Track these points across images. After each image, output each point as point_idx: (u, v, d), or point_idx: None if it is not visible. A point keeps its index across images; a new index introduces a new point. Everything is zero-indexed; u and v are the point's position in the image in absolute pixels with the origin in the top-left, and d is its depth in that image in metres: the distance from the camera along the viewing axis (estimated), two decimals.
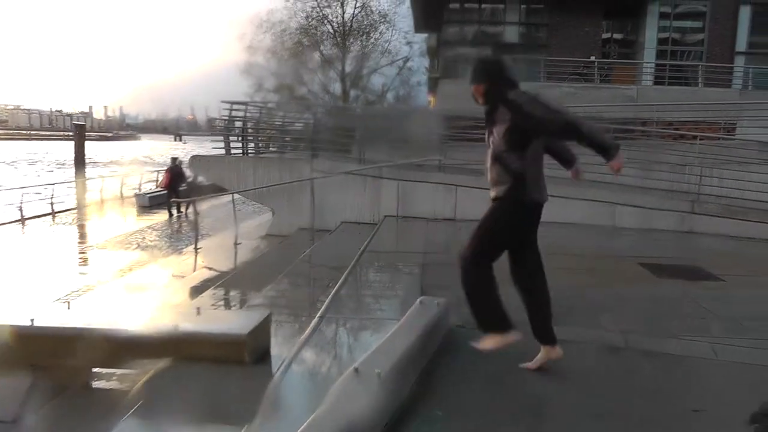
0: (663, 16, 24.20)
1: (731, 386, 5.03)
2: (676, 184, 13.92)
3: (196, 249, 14.49)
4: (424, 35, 34.11)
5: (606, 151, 4.52)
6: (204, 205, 18.33)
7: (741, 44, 24.02)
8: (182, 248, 16.35)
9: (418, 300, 5.87)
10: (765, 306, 7.54)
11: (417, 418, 4.18)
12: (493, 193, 4.92)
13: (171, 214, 23.12)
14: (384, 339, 4.80)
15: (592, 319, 6.54)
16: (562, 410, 4.48)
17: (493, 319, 4.93)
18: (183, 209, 22.76)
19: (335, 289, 7.61)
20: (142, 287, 11.44)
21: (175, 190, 23.66)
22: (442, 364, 5.12)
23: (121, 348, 5.16)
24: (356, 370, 4.04)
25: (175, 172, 24.30)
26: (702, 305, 7.37)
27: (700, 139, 14.94)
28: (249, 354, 5.24)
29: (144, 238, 18.40)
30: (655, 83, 23.01)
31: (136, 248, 16.65)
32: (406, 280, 8.60)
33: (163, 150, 58.53)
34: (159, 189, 27.72)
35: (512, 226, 4.92)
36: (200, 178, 20.33)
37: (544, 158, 4.91)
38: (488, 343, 4.91)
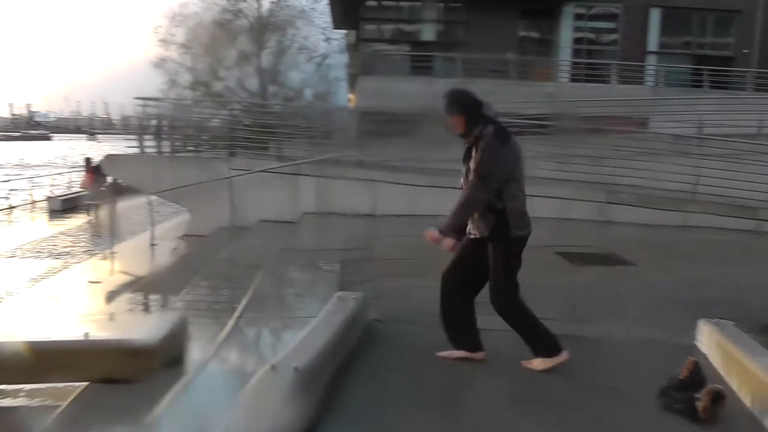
0: (578, 17, 24.76)
1: (643, 364, 5.19)
2: (592, 175, 14.29)
3: (111, 253, 14.19)
4: (343, 32, 34.08)
5: (440, 223, 4.92)
6: (121, 207, 17.96)
7: (652, 44, 24.85)
8: (97, 253, 15.98)
9: (336, 296, 5.90)
10: (673, 287, 7.82)
11: (337, 412, 4.19)
12: (475, 232, 4.94)
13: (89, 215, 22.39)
14: (301, 336, 4.78)
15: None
16: (479, 396, 4.55)
17: (550, 342, 4.98)
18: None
19: (253, 288, 7.57)
20: (54, 296, 11.12)
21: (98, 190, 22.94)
22: (360, 358, 5.12)
23: (27, 362, 5.00)
24: (273, 366, 3.98)
25: (97, 172, 23.55)
26: (616, 289, 7.61)
27: (615, 133, 15.42)
28: (163, 360, 5.16)
29: (56, 244, 17.88)
30: (572, 80, 23.57)
31: (48, 256, 16.15)
32: (325, 277, 8.59)
33: (77, 150, 56.82)
34: (71, 192, 26.94)
35: (512, 259, 4.95)
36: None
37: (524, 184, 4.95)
38: (541, 364, 4.95)
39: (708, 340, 5.36)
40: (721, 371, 4.92)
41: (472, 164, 4.79)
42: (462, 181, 4.99)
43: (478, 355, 5.12)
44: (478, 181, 4.72)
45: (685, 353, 4.94)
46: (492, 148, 4.70)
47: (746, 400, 4.40)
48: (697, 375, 4.38)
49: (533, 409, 4.36)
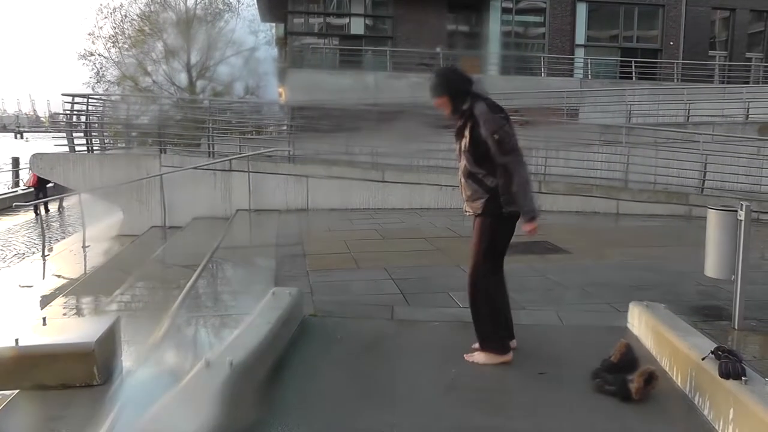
0: (505, 11, 25.13)
1: (575, 348, 5.24)
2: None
3: (43, 255, 13.87)
4: (271, 25, 33.83)
5: (526, 214, 4.66)
6: (53, 206, 17.52)
7: (580, 38, 25.38)
8: (28, 256, 15.59)
9: (271, 291, 5.86)
10: (606, 273, 7.96)
11: (273, 406, 4.14)
12: (469, 210, 4.87)
13: (38, 214, 21.76)
14: (237, 332, 4.73)
15: (444, 299, 6.66)
16: (415, 385, 4.52)
17: (501, 339, 4.94)
18: (50, 208, 21.49)
19: (187, 287, 7.47)
20: None
21: (43, 189, 22.32)
22: (296, 353, 5.08)
23: None
24: (207, 362, 3.93)
25: None
26: (549, 277, 7.70)
27: (545, 124, 15.68)
28: (99, 362, 5.06)
29: None
30: (501, 74, 23.87)
31: None
32: (260, 273, 8.52)
33: (3, 149, 55.25)
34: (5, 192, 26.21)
35: (498, 236, 4.84)
36: None
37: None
38: (484, 359, 4.90)
39: (639, 322, 5.47)
40: (653, 352, 5.02)
41: (464, 142, 4.72)
42: (456, 156, 4.93)
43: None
44: (509, 157, 4.60)
45: (617, 336, 5.04)
46: (492, 121, 4.59)
47: (677, 379, 4.49)
48: (629, 357, 4.46)
49: (469, 396, 4.38)
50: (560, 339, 5.59)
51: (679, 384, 4.45)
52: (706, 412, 4.02)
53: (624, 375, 4.26)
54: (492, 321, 4.90)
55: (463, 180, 4.85)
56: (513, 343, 5.05)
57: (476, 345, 5.02)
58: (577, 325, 5.95)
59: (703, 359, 4.12)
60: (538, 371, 4.72)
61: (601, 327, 5.81)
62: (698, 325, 5.47)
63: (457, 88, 4.71)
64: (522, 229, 4.70)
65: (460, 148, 4.81)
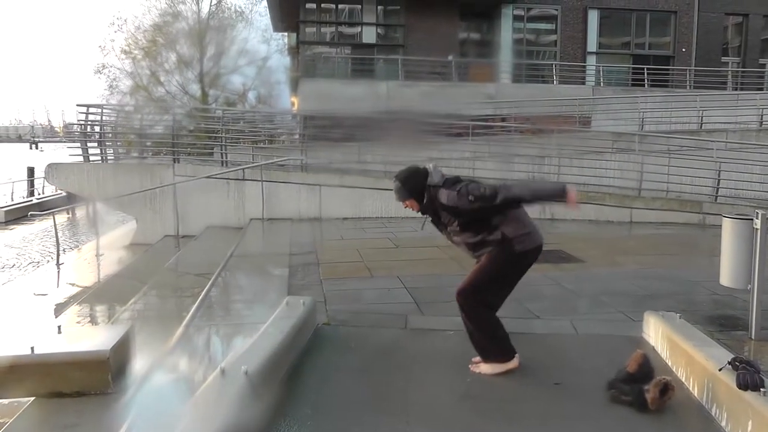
0: (516, 18, 25.06)
1: (590, 358, 5.23)
2: (537, 174, 14.49)
3: (58, 264, 13.93)
4: (283, 34, 33.94)
5: (558, 196, 4.77)
6: (64, 216, 17.63)
7: (592, 45, 25.28)
8: (43, 264, 15.67)
9: (285, 300, 5.88)
10: (620, 281, 7.91)
11: (287, 415, 4.14)
12: (479, 255, 4.92)
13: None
14: (251, 341, 4.76)
15: (457, 307, 6.67)
16: (429, 395, 4.52)
17: (504, 346, 4.95)
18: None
19: (202, 296, 7.50)
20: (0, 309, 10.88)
21: None
22: (309, 362, 5.09)
23: None
24: (222, 370, 3.97)
25: None
26: (563, 286, 7.67)
27: (558, 132, 15.65)
28: (113, 371, 5.08)
29: (0, 256, 17.46)
30: (513, 81, 23.84)
31: None
32: (274, 282, 8.54)
33: (19, 159, 55.57)
34: (16, 203, 26.31)
35: (505, 270, 4.89)
36: None
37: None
38: (489, 369, 4.91)
39: (655, 332, 5.44)
40: (669, 362, 5.00)
41: (451, 227, 4.88)
42: (447, 238, 5.07)
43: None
44: (499, 197, 4.65)
45: (633, 346, 5.02)
46: (458, 195, 4.71)
47: (694, 390, 4.47)
48: (645, 367, 4.43)
49: (483, 406, 4.37)
50: (575, 348, 5.57)
51: (695, 395, 4.43)
52: (723, 424, 3.99)
53: (640, 385, 4.24)
54: (487, 333, 4.91)
55: (464, 248, 4.98)
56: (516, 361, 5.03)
57: (477, 358, 5.02)
58: (592, 334, 5.92)
59: (720, 370, 4.10)
60: (553, 381, 4.71)
61: (616, 336, 5.79)
62: (714, 335, 5.44)
63: (417, 190, 4.88)
64: (569, 207, 4.78)
65: (448, 232, 4.96)
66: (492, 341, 4.91)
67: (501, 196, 4.63)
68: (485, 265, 4.84)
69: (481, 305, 4.87)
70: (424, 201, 4.86)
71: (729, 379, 3.96)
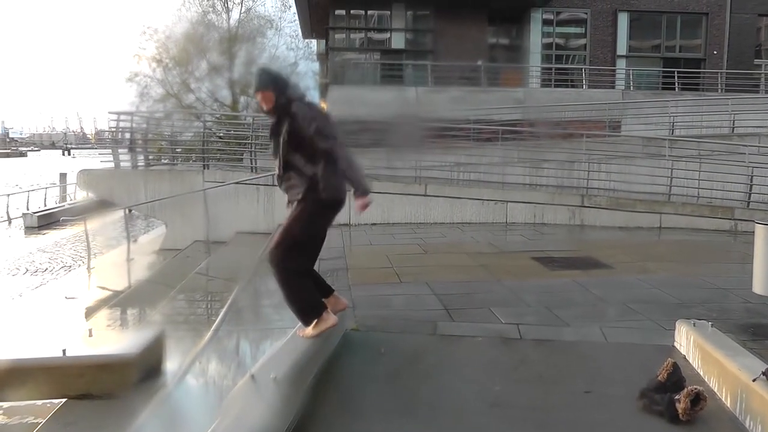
0: (546, 22, 24.94)
1: (621, 366, 5.18)
2: (566, 180, 14.43)
3: (89, 268, 14.08)
4: (312, 41, 34.08)
5: (358, 189, 4.88)
6: (96, 222, 17.77)
7: (621, 48, 25.08)
8: (75, 268, 15.86)
9: None
10: (649, 289, 7.84)
11: (316, 421, 4.16)
12: (289, 197, 4.96)
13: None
14: (279, 346, 4.78)
15: (486, 314, 6.64)
16: (457, 402, 4.50)
17: (309, 309, 4.99)
18: None
19: (230, 300, 7.54)
20: (32, 312, 11.03)
21: None
22: (338, 367, 5.10)
23: (5, 380, 4.99)
24: (252, 376, 3.98)
25: None
26: (592, 292, 7.61)
27: (587, 137, 15.56)
28: (142, 373, 5.15)
29: (33, 260, 17.70)
30: (542, 86, 23.75)
31: (25, 272, 16.00)
32: None
33: (52, 166, 56.28)
34: (47, 208, 26.69)
35: (315, 223, 4.99)
36: None
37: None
38: (312, 331, 4.94)
39: (686, 340, 5.38)
40: (700, 372, 4.94)
41: (283, 137, 4.84)
42: (272, 154, 5.05)
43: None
44: (330, 142, 4.79)
45: (664, 355, 4.97)
46: (306, 109, 4.82)
47: (726, 400, 4.42)
48: (676, 376, 4.39)
49: (512, 413, 4.35)
50: (605, 356, 5.52)
51: (728, 406, 4.37)
52: None
53: (671, 395, 4.19)
54: (301, 294, 4.95)
55: (281, 172, 4.94)
56: (336, 296, 5.23)
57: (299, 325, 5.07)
58: (622, 342, 5.87)
59: (753, 380, 4.05)
60: (583, 389, 4.68)
61: (646, 345, 5.73)
62: (747, 344, 5.35)
63: (281, 87, 4.88)
64: (356, 207, 4.90)
65: (277, 142, 4.92)
66: (308, 301, 4.98)
67: (332, 143, 4.78)
68: (293, 219, 4.89)
69: (294, 264, 4.90)
70: (282, 102, 4.84)
71: (763, 389, 3.91)
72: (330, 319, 4.96)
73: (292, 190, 4.90)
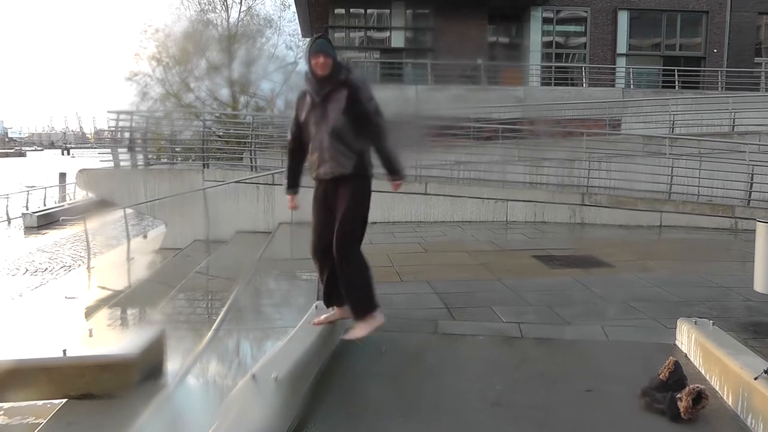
0: (546, 21, 24.98)
1: (622, 365, 5.17)
2: (566, 178, 14.43)
3: (88, 268, 14.07)
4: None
5: (393, 172, 5.16)
6: (96, 222, 17.78)
7: (622, 46, 25.11)
8: (74, 268, 15.86)
9: (314, 305, 5.87)
10: (651, 287, 7.83)
11: (317, 421, 4.14)
12: (329, 168, 4.96)
13: None
14: (280, 345, 4.76)
15: (488, 313, 6.63)
16: (459, 401, 4.49)
17: (372, 300, 5.05)
18: None
19: (231, 299, 7.53)
20: (33, 313, 11.02)
21: None
22: (339, 367, 5.08)
23: (5, 380, 4.99)
24: (253, 376, 3.97)
25: None
26: (593, 291, 7.60)
27: (587, 136, 15.55)
28: (143, 373, 5.14)
29: (33, 260, 17.70)
30: (542, 84, 23.76)
31: (25, 272, 16.00)
32: (303, 287, 8.55)
33: (51, 165, 56.28)
34: (47, 208, 26.70)
35: (368, 199, 5.11)
36: None
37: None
38: (365, 329, 5.02)
39: (687, 339, 5.37)
40: (702, 370, 4.93)
41: (338, 106, 4.85)
42: (312, 123, 5.00)
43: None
44: (381, 119, 4.97)
45: (665, 353, 4.96)
46: (368, 85, 5.00)
47: (728, 399, 4.41)
48: (678, 374, 4.38)
49: (513, 412, 4.34)
50: (606, 355, 5.51)
51: (729, 404, 4.36)
52: None
53: (673, 393, 4.18)
54: (366, 280, 5.05)
55: (327, 142, 4.90)
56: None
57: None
58: (624, 340, 5.86)
59: (755, 379, 4.04)
60: (584, 388, 4.67)
61: (647, 343, 5.71)
62: (749, 342, 5.34)
63: (339, 58, 4.99)
64: (393, 187, 5.25)
65: (324, 110, 4.90)
66: (369, 293, 5.05)
67: (383, 121, 4.99)
68: (354, 202, 4.98)
69: (359, 245, 5.05)
70: (341, 70, 4.90)
71: (765, 387, 3.90)
72: (380, 317, 5.04)
73: (336, 161, 4.90)
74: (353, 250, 4.97)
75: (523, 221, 13.77)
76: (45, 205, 28.16)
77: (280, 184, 14.00)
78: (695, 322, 5.39)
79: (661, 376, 4.39)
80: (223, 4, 32.76)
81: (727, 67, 24.08)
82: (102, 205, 17.55)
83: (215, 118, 24.44)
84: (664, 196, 13.94)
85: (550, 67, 24.21)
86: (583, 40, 25.19)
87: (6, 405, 5.54)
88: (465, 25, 23.21)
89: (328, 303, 5.32)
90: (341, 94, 4.85)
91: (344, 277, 4.98)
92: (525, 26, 24.80)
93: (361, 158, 4.94)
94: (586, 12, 24.89)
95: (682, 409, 4.08)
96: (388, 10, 24.08)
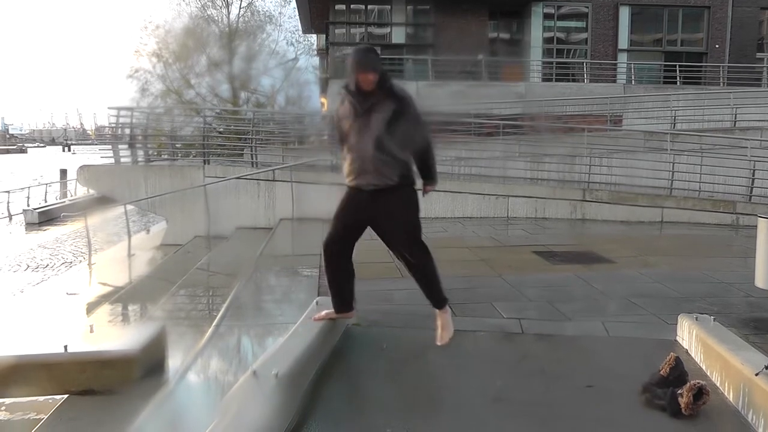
0: (547, 16, 24.91)
1: (623, 361, 5.16)
2: (567, 174, 14.41)
3: (89, 264, 14.06)
4: (312, 36, 34.06)
5: (428, 177, 5.29)
6: (97, 218, 17.78)
7: (623, 42, 25.05)
8: (75, 264, 15.85)
9: (315, 301, 5.87)
10: (652, 283, 7.82)
11: (317, 417, 4.14)
12: (373, 180, 4.92)
13: None
14: (281, 341, 4.76)
15: (488, 309, 6.63)
16: (459, 397, 4.48)
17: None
18: None
19: (232, 296, 7.52)
20: (34, 309, 11.02)
21: None
22: (340, 362, 5.08)
23: (7, 376, 4.99)
24: (254, 372, 3.96)
25: None
26: (594, 287, 7.59)
27: (588, 131, 15.54)
28: (144, 369, 5.14)
29: (34, 256, 17.70)
30: (543, 80, 23.73)
31: (26, 268, 16.00)
32: (304, 283, 8.54)
33: (52, 162, 56.31)
34: (48, 204, 26.70)
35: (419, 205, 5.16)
36: None
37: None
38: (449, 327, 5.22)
39: (689, 335, 5.36)
40: (703, 366, 4.93)
41: (382, 116, 4.80)
42: (354, 133, 4.94)
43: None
44: (427, 129, 5.10)
45: (666, 349, 4.96)
46: (413, 100, 4.95)
47: (729, 395, 4.40)
48: (679, 370, 4.37)
49: (514, 408, 4.34)
50: (607, 351, 5.50)
51: (730, 400, 4.36)
52: (760, 430, 3.92)
53: (673, 389, 4.18)
54: (438, 276, 5.31)
55: (371, 152, 4.85)
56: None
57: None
58: (624, 336, 5.86)
59: (756, 374, 4.03)
60: (585, 384, 4.66)
61: (648, 339, 5.71)
62: (749, 338, 5.34)
63: (384, 69, 4.92)
64: (424, 191, 5.35)
65: (367, 121, 4.85)
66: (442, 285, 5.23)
67: (429, 133, 5.15)
68: (407, 212, 5.11)
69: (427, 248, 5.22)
70: (387, 84, 4.85)
71: (765, 383, 3.89)
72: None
73: (380, 173, 4.89)
74: (428, 255, 5.27)
75: (524, 217, 13.76)
76: (46, 201, 28.14)
77: (281, 180, 14.09)
78: (696, 318, 5.38)
79: (661, 372, 4.38)
80: (224, 1, 32.74)
81: (728, 63, 24.03)
82: (103, 201, 17.55)
83: (216, 114, 24.43)
84: (666, 191, 13.94)
85: (551, 62, 24.20)
86: (584, 35, 25.14)
87: (7, 401, 5.53)
88: (466, 21, 23.20)
89: (339, 310, 5.36)
90: (386, 106, 4.82)
91: (428, 275, 5.31)
92: (526, 22, 24.76)
93: (406, 168, 4.96)
94: (587, 7, 24.85)
95: (683, 405, 4.07)
96: (389, 6, 24.07)
